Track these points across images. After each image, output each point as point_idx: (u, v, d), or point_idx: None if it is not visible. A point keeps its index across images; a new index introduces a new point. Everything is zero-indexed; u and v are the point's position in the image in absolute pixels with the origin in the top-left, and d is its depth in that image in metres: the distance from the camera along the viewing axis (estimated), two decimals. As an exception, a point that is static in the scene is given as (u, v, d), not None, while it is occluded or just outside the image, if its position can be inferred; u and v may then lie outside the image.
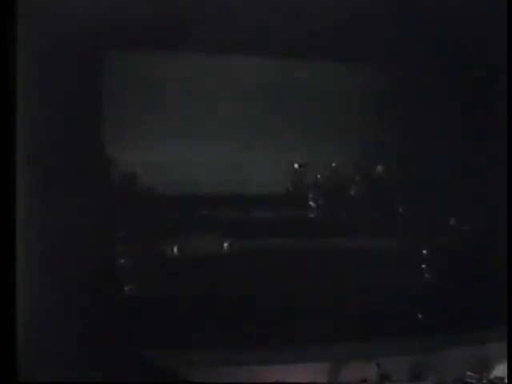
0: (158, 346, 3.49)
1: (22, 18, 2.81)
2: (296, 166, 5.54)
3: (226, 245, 4.75)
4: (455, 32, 4.52)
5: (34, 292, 3.00)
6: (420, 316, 4.40)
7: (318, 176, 5.61)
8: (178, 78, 5.09)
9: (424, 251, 4.93)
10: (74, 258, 3.75)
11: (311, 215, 5.46)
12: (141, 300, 4.15)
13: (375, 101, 5.46)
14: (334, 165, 5.60)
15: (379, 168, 5.62)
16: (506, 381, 3.59)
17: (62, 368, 2.99)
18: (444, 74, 5.17)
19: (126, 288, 4.25)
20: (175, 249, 4.64)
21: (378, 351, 3.70)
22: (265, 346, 3.67)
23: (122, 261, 4.44)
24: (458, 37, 4.60)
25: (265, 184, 5.44)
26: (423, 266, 4.89)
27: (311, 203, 5.55)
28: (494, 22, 3.98)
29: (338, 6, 4.21)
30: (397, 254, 4.88)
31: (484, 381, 3.70)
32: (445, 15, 4.29)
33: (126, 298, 4.19)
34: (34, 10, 2.98)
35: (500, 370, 3.73)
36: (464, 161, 5.16)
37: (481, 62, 4.79)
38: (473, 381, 3.68)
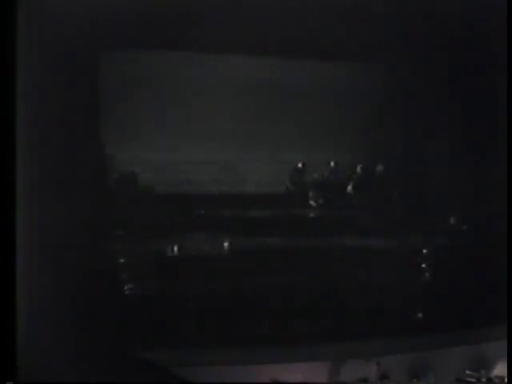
0: (158, 346, 3.48)
1: (22, 17, 2.80)
2: (300, 165, 5.55)
3: (225, 244, 4.75)
4: (455, 31, 4.53)
5: (34, 292, 2.99)
6: (420, 315, 4.40)
7: (318, 175, 5.62)
8: (177, 77, 5.09)
9: (424, 251, 4.94)
10: (74, 258, 3.75)
11: (311, 214, 5.47)
12: (140, 299, 4.16)
13: (375, 100, 5.46)
14: (332, 164, 5.62)
15: (379, 167, 5.63)
16: (506, 380, 3.60)
17: (61, 368, 2.98)
18: (444, 74, 5.18)
19: (125, 287, 4.24)
20: (174, 248, 4.64)
21: (377, 350, 3.69)
22: (264, 345, 3.67)
23: (121, 260, 4.44)
24: (458, 36, 4.61)
25: (264, 183, 5.45)
26: (423, 265, 4.90)
27: (311, 202, 5.56)
28: (494, 22, 3.98)
29: (338, 6, 4.21)
30: (397, 253, 4.88)
31: (483, 380, 3.70)
32: (445, 15, 4.29)
33: (125, 298, 4.20)
34: (34, 9, 2.97)
35: (500, 369, 3.73)
36: (464, 160, 5.16)
37: (481, 61, 4.79)
38: (472, 380, 3.68)
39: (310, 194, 5.60)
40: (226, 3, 4.13)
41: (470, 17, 4.20)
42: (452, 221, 5.25)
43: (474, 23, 4.30)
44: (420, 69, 5.26)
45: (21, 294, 2.81)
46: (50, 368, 2.93)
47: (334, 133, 5.48)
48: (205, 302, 4.12)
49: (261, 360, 3.45)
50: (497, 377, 3.71)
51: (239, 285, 4.35)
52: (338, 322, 4.04)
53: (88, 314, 3.42)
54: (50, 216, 3.44)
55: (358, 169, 5.61)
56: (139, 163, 5.06)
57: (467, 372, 3.70)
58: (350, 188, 5.62)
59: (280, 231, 4.96)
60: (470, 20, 4.26)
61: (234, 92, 5.26)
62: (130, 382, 3.08)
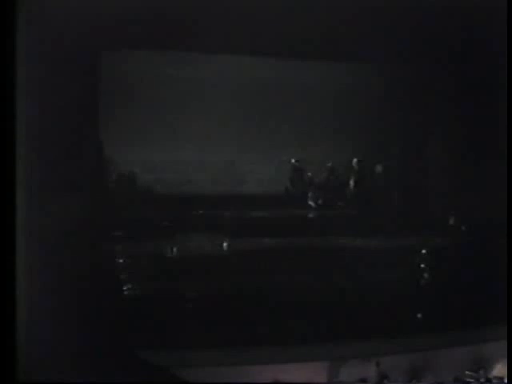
0: (158, 346, 3.48)
1: (22, 18, 2.80)
2: (293, 160, 5.56)
3: (225, 244, 4.76)
4: (455, 32, 4.53)
5: (34, 292, 2.98)
6: (419, 315, 4.40)
7: (317, 175, 5.63)
8: (177, 77, 5.09)
9: (423, 251, 4.95)
10: (74, 258, 3.75)
11: (310, 214, 5.48)
12: (140, 300, 4.16)
13: (375, 100, 5.46)
14: (329, 164, 5.62)
15: (378, 167, 5.63)
16: (506, 380, 3.60)
17: (62, 368, 2.98)
18: (444, 74, 5.19)
19: (124, 287, 4.25)
20: (174, 248, 4.64)
21: (377, 350, 3.69)
22: (264, 345, 3.66)
23: (121, 260, 4.44)
24: (457, 36, 4.61)
25: (264, 183, 5.45)
26: (422, 265, 4.91)
27: (310, 203, 5.57)
28: (494, 22, 3.99)
29: (338, 6, 4.21)
30: (396, 253, 4.88)
31: (483, 380, 3.69)
32: (445, 15, 4.29)
33: (125, 298, 4.20)
34: (34, 10, 2.97)
35: (499, 370, 3.74)
36: (464, 160, 5.17)
37: (481, 61, 4.80)
38: (472, 380, 3.67)
39: (310, 194, 5.60)
40: (226, 4, 4.13)
41: (469, 17, 4.20)
42: (451, 221, 5.26)
43: (474, 23, 4.31)
44: (420, 69, 5.28)
45: (21, 293, 2.81)
46: (50, 368, 2.93)
47: (333, 133, 5.48)
48: (205, 302, 4.13)
49: (261, 360, 3.45)
50: (496, 377, 3.71)
51: (239, 285, 4.35)
52: (338, 321, 4.04)
53: (88, 314, 3.42)
54: (50, 216, 3.45)
55: (354, 163, 5.61)
56: (139, 163, 5.07)
57: (467, 372, 3.69)
58: (349, 188, 5.62)
59: (280, 231, 4.96)
60: (470, 20, 4.27)
61: (234, 92, 5.26)
62: (130, 382, 3.08)
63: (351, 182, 5.62)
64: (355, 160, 5.59)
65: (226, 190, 5.32)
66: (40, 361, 2.92)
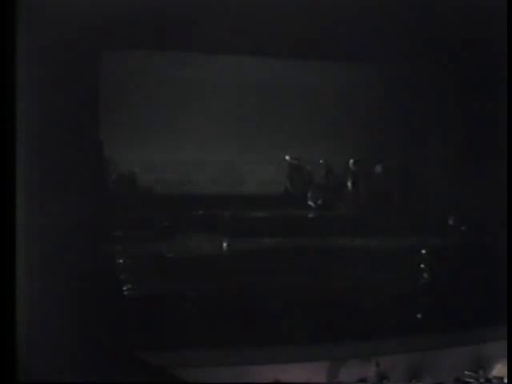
0: (157, 347, 3.48)
1: (22, 18, 2.80)
2: (287, 157, 5.53)
3: (225, 244, 4.75)
4: (455, 31, 4.54)
5: (34, 292, 2.98)
6: (419, 315, 4.40)
7: (317, 175, 5.63)
8: (177, 78, 5.09)
9: (423, 251, 4.95)
10: (73, 258, 3.75)
11: (310, 215, 5.48)
12: (140, 300, 4.16)
13: (375, 100, 5.46)
14: (321, 161, 5.60)
15: (378, 167, 5.63)
16: (506, 381, 3.60)
17: (62, 368, 2.98)
18: (444, 74, 5.19)
19: (124, 288, 4.24)
20: (174, 248, 4.64)
21: (377, 350, 3.69)
22: (263, 345, 3.67)
23: (121, 260, 4.44)
24: (457, 36, 4.61)
25: (264, 183, 5.45)
26: (422, 265, 4.91)
27: (310, 203, 5.57)
28: (494, 22, 3.99)
29: (337, 6, 4.21)
30: (396, 253, 4.88)
31: (482, 380, 3.69)
32: (445, 15, 4.29)
33: (125, 298, 4.20)
34: (34, 10, 2.97)
35: (499, 370, 3.74)
36: (464, 160, 5.17)
37: (480, 61, 4.80)
38: (471, 380, 3.67)
39: (309, 194, 5.60)
40: (226, 4, 4.13)
41: (469, 17, 4.20)
42: (451, 221, 5.26)
43: (474, 23, 4.31)
44: (420, 69, 5.28)
45: (21, 293, 2.81)
46: (50, 368, 2.93)
47: (333, 133, 5.48)
48: (205, 302, 4.12)
49: (261, 360, 3.46)
50: (495, 377, 3.71)
51: (239, 285, 4.35)
52: (338, 321, 4.04)
53: (88, 314, 3.42)
54: (50, 216, 3.45)
55: (350, 164, 5.60)
56: (139, 163, 5.07)
57: (466, 372, 3.70)
58: (348, 188, 5.62)
59: (280, 231, 4.96)
60: (470, 20, 4.27)
61: (234, 92, 5.26)
62: (130, 382, 3.08)
63: (349, 183, 5.61)
64: (351, 161, 5.58)
65: (225, 190, 5.32)
66: (40, 361, 2.92)
